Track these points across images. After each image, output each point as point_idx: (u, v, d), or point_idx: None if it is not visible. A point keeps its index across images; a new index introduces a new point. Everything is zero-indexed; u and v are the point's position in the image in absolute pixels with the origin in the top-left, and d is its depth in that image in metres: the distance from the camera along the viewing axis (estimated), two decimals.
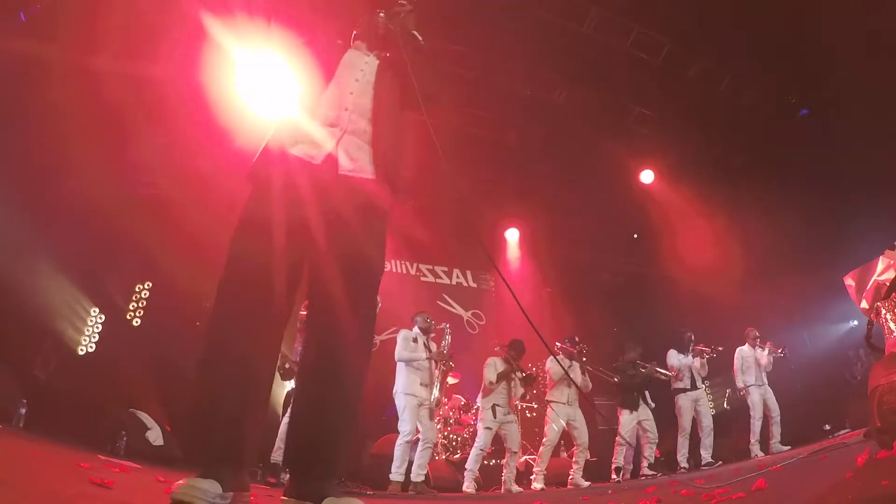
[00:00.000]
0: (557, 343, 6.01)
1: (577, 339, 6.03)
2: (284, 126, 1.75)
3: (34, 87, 5.08)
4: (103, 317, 6.34)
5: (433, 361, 5.24)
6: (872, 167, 6.46)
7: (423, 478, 4.91)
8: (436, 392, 5.24)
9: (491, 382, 5.34)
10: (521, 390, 5.57)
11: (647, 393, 6.20)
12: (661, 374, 6.23)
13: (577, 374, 5.77)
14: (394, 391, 5.07)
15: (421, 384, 5.06)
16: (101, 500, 1.35)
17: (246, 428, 1.47)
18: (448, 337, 5.55)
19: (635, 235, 9.59)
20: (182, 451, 4.78)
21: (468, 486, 5.14)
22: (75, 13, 4.88)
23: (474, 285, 9.25)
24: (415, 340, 5.19)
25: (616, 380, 6.18)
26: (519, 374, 5.47)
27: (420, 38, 1.95)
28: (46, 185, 5.45)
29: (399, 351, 5.11)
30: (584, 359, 5.84)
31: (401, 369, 5.11)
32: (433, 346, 5.37)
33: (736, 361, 6.30)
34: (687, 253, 8.56)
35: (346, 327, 1.54)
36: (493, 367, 5.44)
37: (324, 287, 1.58)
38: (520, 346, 5.59)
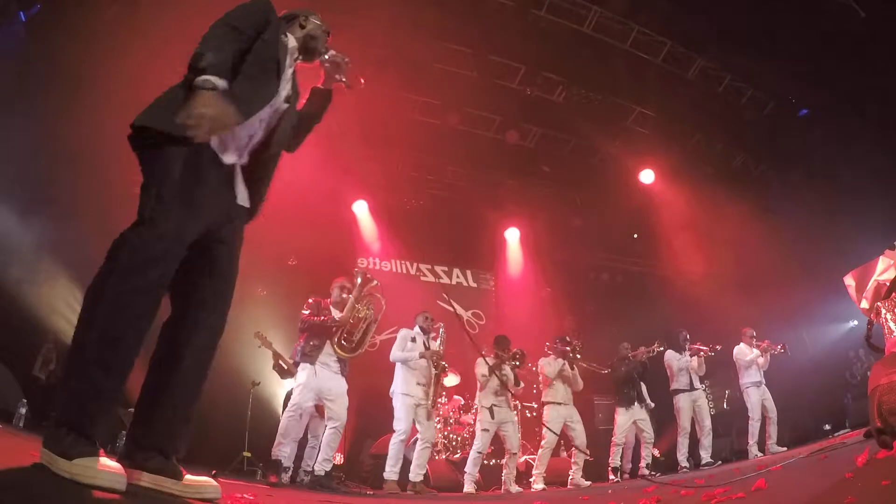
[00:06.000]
0: (548, 343, 5.99)
1: (568, 338, 6.01)
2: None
3: (33, 86, 5.09)
4: None
5: (430, 361, 5.21)
6: (872, 166, 6.46)
7: (422, 477, 4.90)
8: (430, 395, 5.19)
9: (484, 375, 5.32)
10: (520, 383, 5.55)
11: (644, 389, 6.16)
12: (653, 349, 6.20)
13: (570, 372, 5.74)
14: (391, 391, 5.05)
15: (417, 384, 5.03)
16: (100, 500, 1.35)
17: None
18: (442, 335, 5.47)
19: (635, 235, 9.58)
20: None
21: (468, 487, 5.14)
22: (73, 14, 4.88)
23: (474, 285, 9.24)
24: (413, 340, 5.16)
25: (605, 371, 6.18)
26: (509, 363, 5.45)
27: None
28: (46, 185, 5.45)
29: (394, 350, 5.09)
30: (579, 356, 5.80)
31: (398, 369, 5.09)
32: (433, 346, 5.34)
33: (737, 360, 6.29)
34: (687, 253, 8.56)
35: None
36: (482, 363, 5.44)
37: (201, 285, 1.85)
38: (504, 340, 5.59)
